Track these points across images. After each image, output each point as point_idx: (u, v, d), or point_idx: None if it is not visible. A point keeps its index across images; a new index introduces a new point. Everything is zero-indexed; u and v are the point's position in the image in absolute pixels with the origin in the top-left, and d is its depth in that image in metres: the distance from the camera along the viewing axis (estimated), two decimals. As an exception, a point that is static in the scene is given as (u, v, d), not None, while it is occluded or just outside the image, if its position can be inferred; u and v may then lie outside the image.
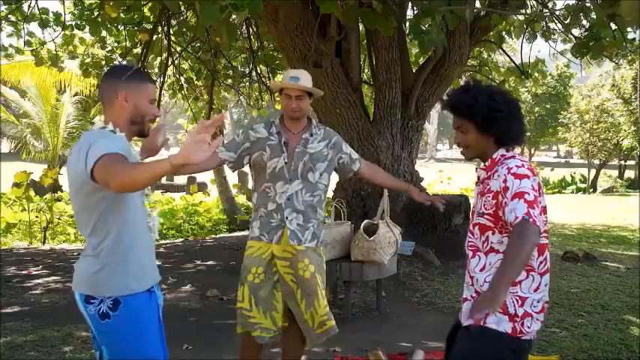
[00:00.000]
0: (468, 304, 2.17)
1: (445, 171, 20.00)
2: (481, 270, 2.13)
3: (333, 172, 3.26)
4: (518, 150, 2.28)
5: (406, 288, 5.78)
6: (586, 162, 24.78)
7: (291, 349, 3.23)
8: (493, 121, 2.11)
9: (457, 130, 2.20)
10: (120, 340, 1.98)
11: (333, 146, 3.15)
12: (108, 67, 9.13)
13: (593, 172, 24.34)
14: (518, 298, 2.07)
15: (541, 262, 2.11)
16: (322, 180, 3.10)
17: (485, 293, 1.86)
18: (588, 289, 5.93)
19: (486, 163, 2.19)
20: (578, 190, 23.93)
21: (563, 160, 41.77)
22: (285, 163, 3.03)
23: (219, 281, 6.02)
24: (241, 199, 15.15)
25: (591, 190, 23.15)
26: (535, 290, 2.09)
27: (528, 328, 2.07)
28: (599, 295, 5.75)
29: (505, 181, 2.01)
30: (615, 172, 25.97)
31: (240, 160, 3.09)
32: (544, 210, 2.09)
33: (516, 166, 2.07)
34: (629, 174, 25.55)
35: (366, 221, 4.70)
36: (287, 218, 3.02)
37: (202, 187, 18.59)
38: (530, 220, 1.91)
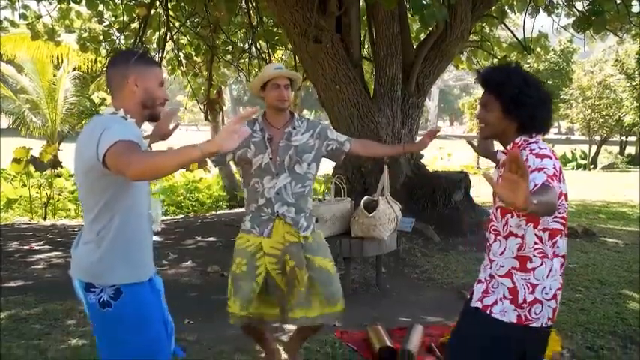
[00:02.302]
0: (481, 286, 2.17)
1: (445, 148, 19.95)
2: (501, 254, 2.12)
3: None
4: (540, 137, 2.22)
5: (406, 264, 5.81)
6: (587, 138, 24.74)
7: (301, 330, 3.29)
8: (520, 105, 2.06)
9: (482, 106, 2.16)
10: (121, 327, 1.97)
11: (319, 136, 3.15)
12: (108, 45, 9.14)
13: (593, 148, 24.31)
14: (529, 284, 2.06)
15: (555, 248, 2.09)
16: (310, 170, 3.12)
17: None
18: (587, 265, 5.97)
19: (508, 147, 2.15)
20: (579, 166, 23.93)
21: (563, 137, 41.70)
22: (270, 158, 3.04)
23: (219, 257, 6.05)
24: (241, 175, 15.16)
25: (592, 166, 23.15)
26: (547, 277, 2.08)
27: (536, 314, 2.06)
28: (597, 270, 5.80)
29: (526, 161, 1.97)
30: (616, 149, 25.94)
31: (223, 158, 3.09)
32: (565, 197, 2.05)
33: (539, 148, 2.04)
34: (630, 150, 25.52)
35: (366, 198, 4.70)
36: (277, 212, 3.04)
37: (202, 163, 18.57)
38: (550, 185, 1.86)
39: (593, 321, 4.25)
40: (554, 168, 1.97)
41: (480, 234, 6.77)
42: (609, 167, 22.26)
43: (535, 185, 1.85)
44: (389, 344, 3.54)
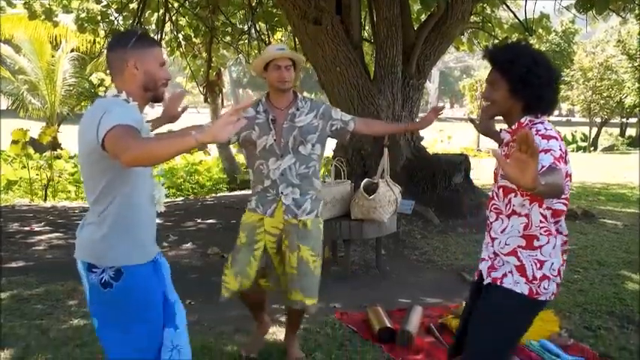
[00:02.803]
0: (486, 263, 2.19)
1: (445, 130, 19.90)
2: (502, 231, 2.13)
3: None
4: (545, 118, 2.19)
5: (405, 246, 5.84)
6: (587, 120, 24.66)
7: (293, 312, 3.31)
8: (528, 85, 2.04)
9: (489, 84, 2.14)
10: (120, 309, 1.98)
11: (323, 116, 3.13)
12: (106, 25, 9.06)
13: (594, 130, 24.24)
14: (537, 261, 2.08)
15: (558, 226, 2.10)
16: (315, 151, 3.11)
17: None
18: (585, 246, 6.00)
19: (513, 127, 2.14)
20: (579, 148, 23.89)
21: (564, 119, 41.57)
22: (274, 140, 3.04)
23: (219, 239, 6.08)
24: (241, 158, 15.12)
25: (592, 148, 23.10)
26: (553, 255, 2.10)
27: (545, 289, 2.09)
28: (596, 251, 5.83)
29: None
30: (617, 131, 25.86)
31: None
32: (569, 177, 2.05)
33: (545, 128, 2.04)
34: (631, 132, 25.45)
35: (366, 180, 4.71)
36: (282, 193, 3.05)
37: (202, 146, 18.52)
38: (557, 167, 1.86)
39: (592, 302, 4.28)
40: (561, 149, 1.96)
41: (479, 216, 6.79)
42: (609, 149, 22.21)
43: (542, 167, 1.85)
44: (388, 325, 3.57)
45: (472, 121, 2.72)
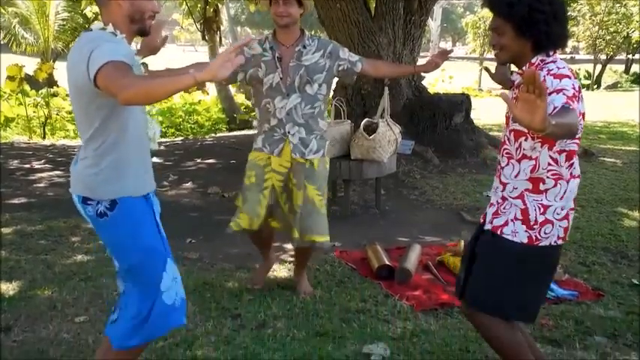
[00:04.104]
0: (492, 209, 2.18)
1: (447, 70, 19.60)
2: (515, 176, 2.11)
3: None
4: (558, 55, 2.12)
5: (405, 186, 5.87)
6: (592, 58, 24.23)
7: (298, 253, 3.38)
8: (533, 23, 1.98)
9: (493, 31, 2.07)
10: (118, 234, 2.03)
11: (330, 55, 3.08)
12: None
13: (598, 68, 23.85)
14: (540, 205, 2.06)
15: (570, 169, 2.07)
16: (321, 91, 3.08)
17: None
18: (584, 185, 6.03)
19: (524, 68, 2.08)
20: (582, 86, 23.56)
21: (568, 57, 40.89)
22: (281, 78, 3.01)
23: (219, 179, 6.10)
24: (240, 98, 14.99)
25: (595, 86, 22.81)
26: (561, 198, 2.07)
27: (545, 234, 2.07)
28: (594, 189, 5.88)
29: (544, 82, 1.89)
30: (621, 68, 25.44)
31: (234, 76, 3.05)
32: (582, 116, 2.00)
33: (557, 67, 1.98)
34: (636, 69, 25.05)
35: (366, 120, 4.68)
36: (289, 132, 3.05)
37: (201, 85, 18.33)
38: (571, 107, 1.82)
39: (587, 238, 4.36)
40: (574, 88, 1.92)
41: (479, 156, 6.80)
42: (613, 87, 21.91)
43: (554, 108, 1.81)
44: (387, 263, 3.63)
45: (487, 70, 2.66)
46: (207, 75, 1.73)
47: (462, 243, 3.87)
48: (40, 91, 11.95)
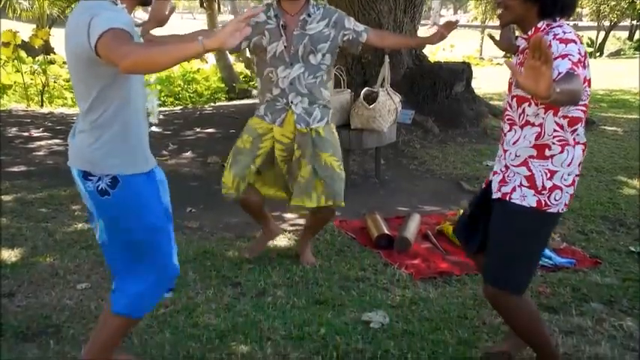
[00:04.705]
0: (497, 177, 2.17)
1: (448, 38, 19.37)
2: (514, 143, 2.10)
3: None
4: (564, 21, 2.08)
5: (404, 155, 5.86)
6: (595, 25, 23.91)
7: (314, 221, 3.36)
8: None
9: None
10: (120, 213, 2.00)
11: (335, 25, 3.03)
12: None
13: (602, 35, 23.55)
14: (547, 171, 2.05)
15: (573, 135, 2.05)
16: (325, 61, 3.05)
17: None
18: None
19: (529, 32, 2.05)
20: (584, 54, 23.33)
21: (571, 24, 40.43)
22: (285, 47, 2.97)
23: (219, 148, 6.08)
24: (239, 67, 14.85)
25: (598, 54, 22.56)
26: (568, 165, 2.06)
27: (555, 200, 2.06)
28: (594, 158, 5.88)
29: (550, 47, 1.80)
30: (625, 34, 25.11)
31: (239, 45, 3.00)
32: (588, 82, 1.98)
33: (563, 32, 1.95)
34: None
35: (366, 89, 4.64)
36: (292, 102, 3.02)
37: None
38: (575, 73, 1.79)
39: (586, 207, 4.38)
40: (579, 53, 1.89)
41: (479, 126, 6.78)
42: (616, 54, 21.66)
43: (559, 73, 1.78)
44: (386, 232, 3.65)
45: (492, 37, 2.63)
46: (216, 43, 1.70)
47: (461, 212, 3.88)
48: (36, 58, 11.80)
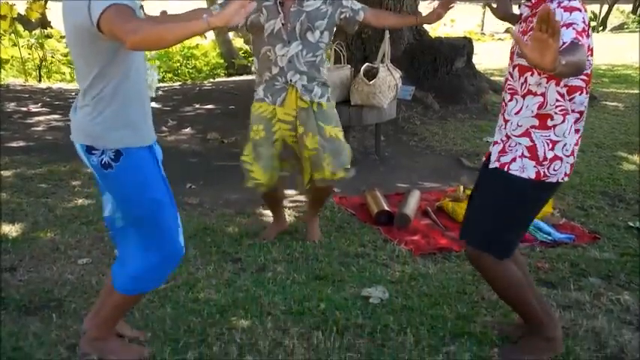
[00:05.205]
0: (497, 147, 2.16)
1: (449, 13, 19.16)
2: (516, 113, 2.08)
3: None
4: None
5: (404, 132, 5.85)
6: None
7: (317, 195, 3.37)
8: None
9: None
10: (124, 186, 2.02)
11: (332, 2, 3.00)
12: None
13: (605, 9, 23.24)
14: (549, 141, 2.04)
15: (572, 104, 2.04)
16: (323, 39, 3.02)
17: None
18: (585, 129, 6.00)
19: (532, 0, 2.03)
20: (586, 28, 23.08)
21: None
22: (282, 24, 2.94)
23: (219, 124, 6.06)
24: (239, 42, 14.71)
25: (600, 28, 22.32)
26: (569, 133, 2.05)
27: (554, 171, 2.06)
28: (595, 134, 5.86)
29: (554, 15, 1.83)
30: (629, 8, 24.79)
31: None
32: (591, 52, 1.96)
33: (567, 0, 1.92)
34: (644, 7, 24.39)
35: (366, 65, 4.61)
36: (291, 80, 3.01)
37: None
38: (580, 43, 1.78)
39: (586, 182, 4.39)
40: (584, 22, 1.87)
41: (480, 102, 6.75)
42: (619, 28, 21.38)
43: (563, 43, 1.76)
44: (386, 208, 3.65)
45: (489, 5, 2.59)
46: (222, 20, 1.70)
47: (461, 189, 3.89)
48: (33, 32, 11.66)
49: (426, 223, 3.66)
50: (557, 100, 2.01)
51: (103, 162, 1.97)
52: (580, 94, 2.05)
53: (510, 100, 2.10)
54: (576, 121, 2.09)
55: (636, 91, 8.32)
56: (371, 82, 4.44)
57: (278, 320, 2.52)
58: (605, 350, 2.33)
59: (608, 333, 2.43)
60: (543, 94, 2.01)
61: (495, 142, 2.18)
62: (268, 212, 3.67)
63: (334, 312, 2.57)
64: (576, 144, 2.11)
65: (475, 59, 7.40)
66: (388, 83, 4.53)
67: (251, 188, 3.21)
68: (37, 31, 11.58)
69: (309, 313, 2.58)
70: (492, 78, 8.18)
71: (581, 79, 2.01)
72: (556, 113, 2.03)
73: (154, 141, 2.10)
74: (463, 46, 6.92)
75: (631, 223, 3.65)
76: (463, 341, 2.37)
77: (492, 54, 11.96)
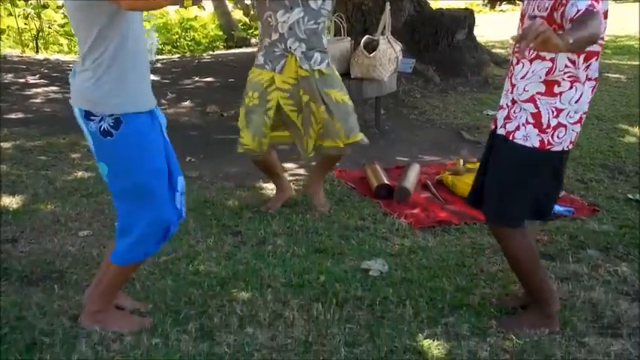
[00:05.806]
0: (503, 112, 2.15)
1: (451, -16, 18.92)
2: (522, 77, 2.05)
3: None
4: None
5: (405, 105, 5.82)
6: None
7: (324, 162, 3.41)
8: None
9: None
10: (123, 156, 2.00)
11: None
12: None
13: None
14: (554, 109, 2.03)
15: (588, 71, 2.01)
16: (325, 6, 2.99)
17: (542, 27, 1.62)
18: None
19: None
20: None
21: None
22: None
23: (218, 97, 6.03)
24: (238, 14, 14.53)
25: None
26: (576, 101, 2.03)
27: (558, 138, 2.05)
28: (596, 106, 5.81)
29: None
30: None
31: None
32: (604, 14, 1.92)
33: None
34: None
35: (366, 37, 4.57)
36: (290, 47, 2.98)
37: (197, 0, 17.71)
38: (595, 10, 1.76)
39: (586, 155, 4.37)
40: None
41: (481, 75, 6.70)
42: (624, -2, 21.08)
43: (578, 11, 1.75)
44: (386, 182, 3.65)
45: None
46: None
47: (461, 162, 3.88)
48: (29, 2, 11.50)
49: (425, 196, 3.67)
50: (567, 67, 1.98)
51: (102, 129, 1.97)
52: (595, 60, 2.02)
53: (517, 63, 2.08)
54: (592, 88, 2.05)
55: (638, 63, 8.24)
56: (371, 55, 4.40)
57: (278, 292, 2.54)
58: (601, 320, 2.35)
59: (605, 304, 2.45)
60: (552, 60, 1.98)
61: (500, 107, 2.17)
62: (268, 185, 3.67)
63: (334, 284, 2.59)
64: (585, 112, 2.09)
65: (476, 31, 7.33)
66: (389, 56, 4.50)
67: (242, 154, 3.20)
68: (34, 1, 11.43)
69: (309, 285, 2.59)
70: (494, 50, 8.11)
71: (599, 45, 1.98)
72: (564, 79, 2.00)
73: (155, 106, 2.09)
74: (464, 18, 6.85)
75: (630, 196, 3.66)
76: (462, 313, 2.39)
77: (494, 26, 11.82)
